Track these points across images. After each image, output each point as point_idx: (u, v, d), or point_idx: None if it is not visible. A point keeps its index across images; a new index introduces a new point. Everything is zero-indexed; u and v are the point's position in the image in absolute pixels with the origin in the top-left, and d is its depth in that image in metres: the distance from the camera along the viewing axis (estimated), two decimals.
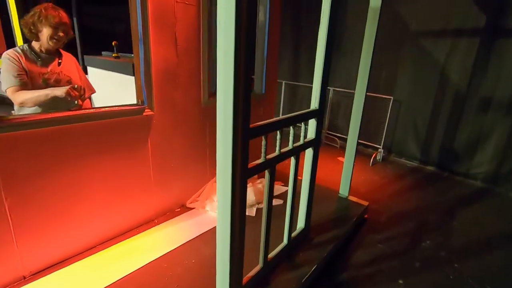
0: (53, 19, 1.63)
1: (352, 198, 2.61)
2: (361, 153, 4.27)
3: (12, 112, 1.78)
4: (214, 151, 1.16)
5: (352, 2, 4.28)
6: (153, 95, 1.84)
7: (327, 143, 4.73)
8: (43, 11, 1.62)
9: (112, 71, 2.89)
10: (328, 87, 4.63)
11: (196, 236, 1.94)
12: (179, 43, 1.90)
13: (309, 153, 1.78)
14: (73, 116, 1.57)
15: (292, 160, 1.61)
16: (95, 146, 1.66)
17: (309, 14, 4.88)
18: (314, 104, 1.69)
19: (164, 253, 1.77)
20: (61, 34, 1.69)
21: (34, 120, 1.45)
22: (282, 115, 5.24)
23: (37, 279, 1.52)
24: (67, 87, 1.62)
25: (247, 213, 2.27)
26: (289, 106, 5.40)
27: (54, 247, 1.60)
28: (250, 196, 2.33)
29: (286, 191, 2.45)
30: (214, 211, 2.22)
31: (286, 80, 5.22)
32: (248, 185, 2.43)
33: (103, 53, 3.84)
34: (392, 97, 3.81)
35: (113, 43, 3.20)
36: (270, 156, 1.39)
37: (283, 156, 1.48)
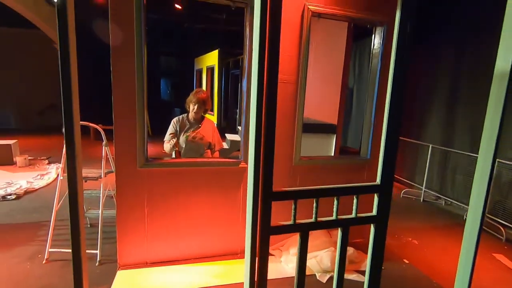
0: (193, 98, 2.55)
1: None
2: None
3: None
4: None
5: None
6: (249, 152, 2.34)
7: (487, 230, 3.56)
8: (192, 94, 2.59)
9: None
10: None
11: None
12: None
13: (371, 230, 1.65)
14: (194, 162, 2.32)
15: (339, 233, 1.58)
16: (203, 184, 2.31)
17: (466, 55, 4.14)
18: (378, 178, 1.61)
19: (233, 282, 2.11)
20: (195, 108, 2.58)
21: (172, 162, 2.29)
22: (426, 184, 4.46)
23: (153, 267, 2.26)
24: (173, 141, 2.50)
25: (317, 277, 2.24)
26: (439, 174, 4.54)
27: (166, 248, 2.31)
28: (325, 261, 2.28)
29: None
30: (287, 264, 2.34)
31: (435, 143, 4.49)
32: (328, 249, 2.39)
33: None
34: None
35: None
36: (302, 221, 1.49)
37: (321, 225, 1.52)
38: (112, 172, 2.75)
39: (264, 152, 1.33)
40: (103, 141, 2.67)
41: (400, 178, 5.19)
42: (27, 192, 4.16)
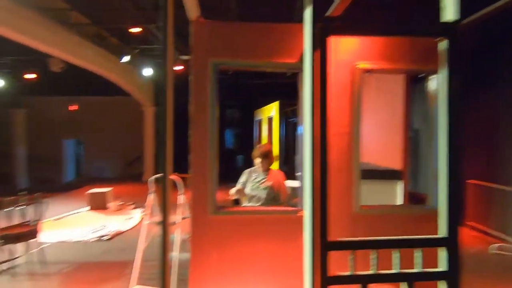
0: (256, 153, 2.86)
1: None
2: None
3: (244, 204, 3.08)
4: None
5: None
6: (304, 203, 2.46)
7: None
8: (256, 148, 2.90)
9: None
10: None
11: None
12: (331, 163, 2.48)
13: (442, 286, 1.56)
14: (255, 211, 2.53)
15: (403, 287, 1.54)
16: (263, 232, 2.47)
17: None
18: (442, 230, 1.56)
19: None
20: (259, 161, 2.86)
21: (237, 210, 2.54)
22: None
23: None
24: (234, 190, 2.78)
25: None
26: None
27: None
28: None
29: None
30: None
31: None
32: None
33: None
34: None
35: None
36: (361, 272, 1.51)
37: (382, 277, 1.51)
38: (187, 217, 3.13)
39: (319, 202, 1.47)
40: (178, 191, 3.11)
41: (487, 230, 4.48)
42: (117, 234, 4.86)
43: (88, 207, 6.43)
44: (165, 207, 1.52)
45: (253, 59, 2.44)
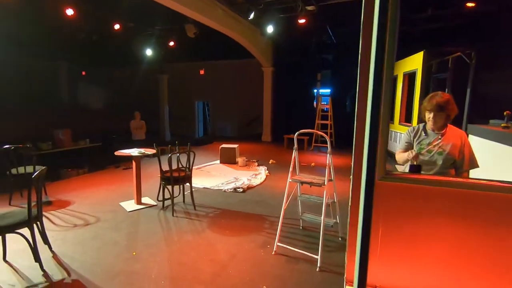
0: (428, 105, 2.14)
1: None
2: None
3: (396, 166, 2.51)
4: None
5: None
6: None
7: None
8: (425, 99, 2.17)
9: (499, 142, 2.79)
10: None
11: None
12: None
13: None
14: (444, 182, 1.92)
15: None
16: (453, 210, 1.86)
17: None
18: None
19: None
20: (431, 116, 2.15)
21: (415, 178, 2.00)
22: None
23: None
24: (413, 153, 2.19)
25: None
26: None
27: (399, 277, 2.03)
28: None
29: None
30: None
31: None
32: None
33: (490, 121, 3.75)
34: None
35: (504, 113, 3.11)
36: None
37: None
38: (331, 181, 2.81)
39: None
40: (310, 148, 2.76)
41: None
42: (248, 188, 5.12)
43: (219, 160, 7.11)
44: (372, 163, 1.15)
45: None
